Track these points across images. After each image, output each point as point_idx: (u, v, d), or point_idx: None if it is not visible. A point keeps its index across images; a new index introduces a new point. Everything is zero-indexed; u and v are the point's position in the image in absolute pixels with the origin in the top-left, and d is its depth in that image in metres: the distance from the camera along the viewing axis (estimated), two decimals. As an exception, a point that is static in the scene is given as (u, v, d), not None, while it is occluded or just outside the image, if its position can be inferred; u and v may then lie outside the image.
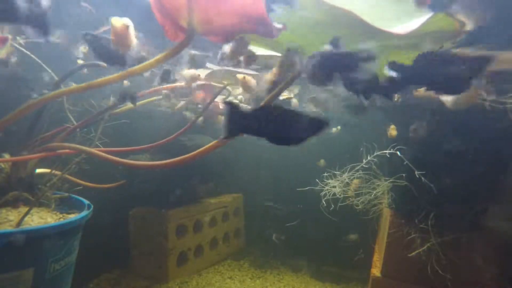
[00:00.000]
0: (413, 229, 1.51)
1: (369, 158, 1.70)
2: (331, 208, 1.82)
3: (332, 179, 1.88)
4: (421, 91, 1.55)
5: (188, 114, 2.09)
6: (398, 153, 1.51)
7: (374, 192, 1.77)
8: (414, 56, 1.13)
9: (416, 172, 1.42)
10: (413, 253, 1.48)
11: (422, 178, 1.40)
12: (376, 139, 1.84)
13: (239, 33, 1.04)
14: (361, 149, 1.78)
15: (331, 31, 0.96)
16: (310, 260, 2.62)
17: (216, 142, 1.13)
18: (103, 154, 1.28)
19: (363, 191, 1.80)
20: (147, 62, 1.04)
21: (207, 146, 1.14)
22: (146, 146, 1.65)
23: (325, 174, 1.92)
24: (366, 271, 1.82)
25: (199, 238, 2.44)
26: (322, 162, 1.89)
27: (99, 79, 1.09)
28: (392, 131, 1.69)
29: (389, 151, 1.56)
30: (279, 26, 0.98)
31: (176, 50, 1.02)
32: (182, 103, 2.04)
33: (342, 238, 2.43)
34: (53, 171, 1.42)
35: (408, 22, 0.92)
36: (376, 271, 1.65)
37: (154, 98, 1.85)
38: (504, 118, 1.23)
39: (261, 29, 0.95)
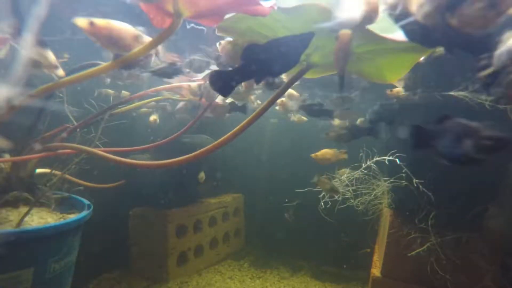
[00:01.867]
0: (413, 229, 1.51)
1: (369, 162, 1.70)
2: (328, 206, 1.82)
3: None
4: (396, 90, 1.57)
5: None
6: (397, 160, 1.51)
7: (374, 192, 1.77)
8: (412, 58, 1.15)
9: (414, 181, 1.42)
10: (413, 253, 1.48)
11: (420, 186, 1.40)
12: (375, 141, 1.84)
13: (227, 13, 1.02)
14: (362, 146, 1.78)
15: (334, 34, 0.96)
16: (310, 260, 2.62)
17: (217, 143, 1.13)
18: (103, 154, 1.27)
19: (363, 191, 1.80)
20: (135, 50, 0.99)
21: (208, 146, 1.14)
22: (146, 146, 1.65)
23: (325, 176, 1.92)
24: (366, 271, 1.82)
25: (199, 238, 2.44)
26: (342, 171, 1.90)
27: (90, 69, 1.07)
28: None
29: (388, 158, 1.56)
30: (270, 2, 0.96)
31: (163, 36, 0.98)
32: (181, 103, 2.04)
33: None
34: (53, 171, 1.42)
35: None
36: (376, 271, 1.65)
37: (157, 98, 1.85)
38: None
39: (250, 7, 0.93)
